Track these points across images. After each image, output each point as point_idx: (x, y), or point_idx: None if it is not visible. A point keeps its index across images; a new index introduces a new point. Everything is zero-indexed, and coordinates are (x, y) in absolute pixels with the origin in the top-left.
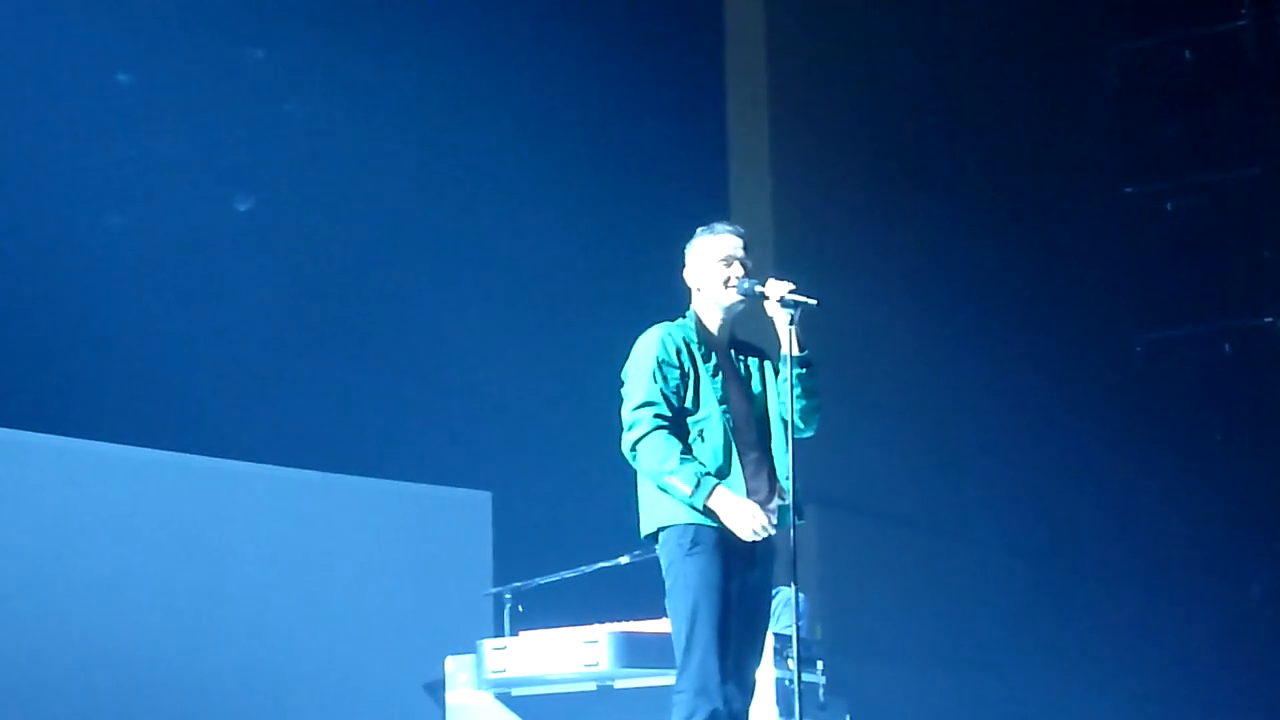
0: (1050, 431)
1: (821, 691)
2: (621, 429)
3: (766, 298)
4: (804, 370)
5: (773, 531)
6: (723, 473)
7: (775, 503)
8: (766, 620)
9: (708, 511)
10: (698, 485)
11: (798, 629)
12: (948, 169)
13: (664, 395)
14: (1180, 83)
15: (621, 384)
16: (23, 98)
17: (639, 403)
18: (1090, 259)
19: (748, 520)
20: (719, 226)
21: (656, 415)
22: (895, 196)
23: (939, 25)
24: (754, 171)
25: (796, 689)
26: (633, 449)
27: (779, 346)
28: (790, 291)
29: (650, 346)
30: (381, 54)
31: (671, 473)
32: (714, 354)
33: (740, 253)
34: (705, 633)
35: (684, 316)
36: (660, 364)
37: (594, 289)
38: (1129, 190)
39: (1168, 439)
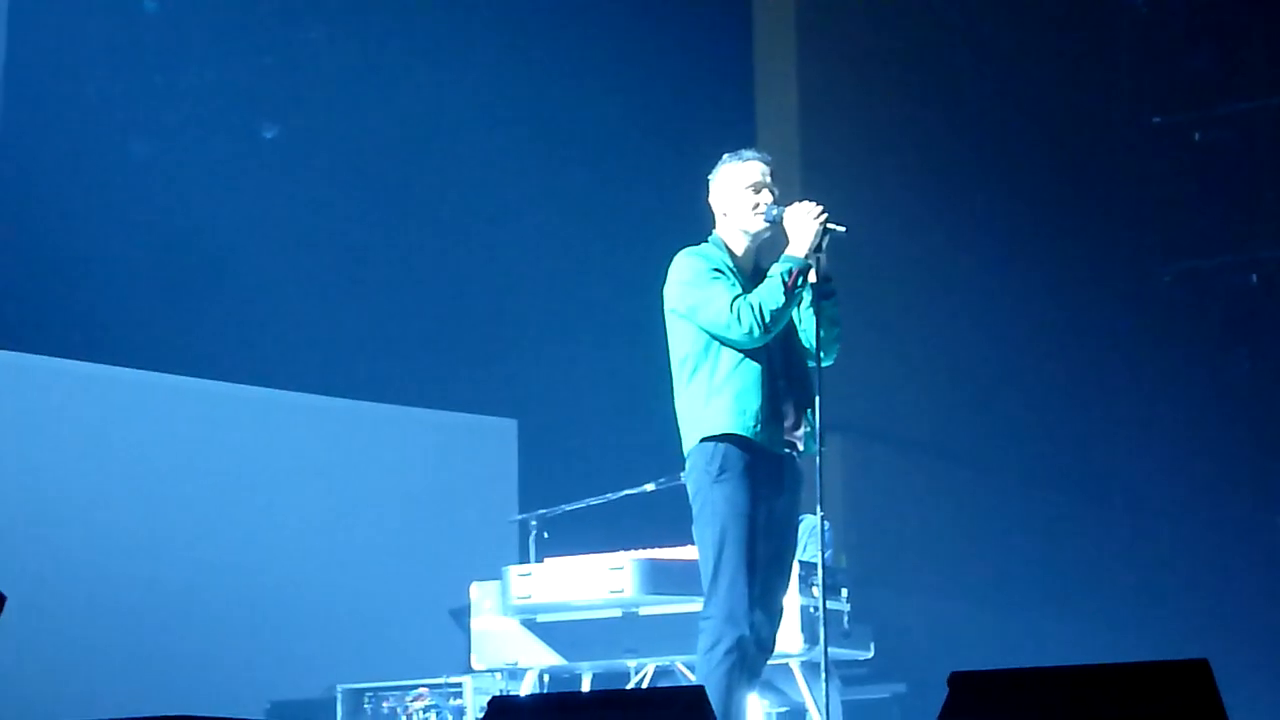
0: (1077, 361)
1: (846, 619)
2: (723, 339)
3: None
4: (827, 299)
5: (823, 216)
6: (752, 398)
7: (802, 430)
8: (794, 547)
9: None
10: (781, 267)
11: (823, 557)
12: (975, 98)
13: (731, 284)
14: (1209, 12)
15: (676, 314)
16: (49, 27)
17: (729, 299)
18: (1118, 189)
19: (809, 213)
20: (746, 153)
21: (735, 296)
22: (922, 124)
23: None
24: (780, 97)
25: (822, 616)
26: (757, 321)
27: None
28: (818, 216)
29: (697, 260)
30: None
31: (774, 283)
32: (743, 279)
33: (768, 179)
34: (733, 559)
35: (707, 242)
36: (713, 269)
37: (620, 215)
38: (1157, 120)
39: (1194, 369)
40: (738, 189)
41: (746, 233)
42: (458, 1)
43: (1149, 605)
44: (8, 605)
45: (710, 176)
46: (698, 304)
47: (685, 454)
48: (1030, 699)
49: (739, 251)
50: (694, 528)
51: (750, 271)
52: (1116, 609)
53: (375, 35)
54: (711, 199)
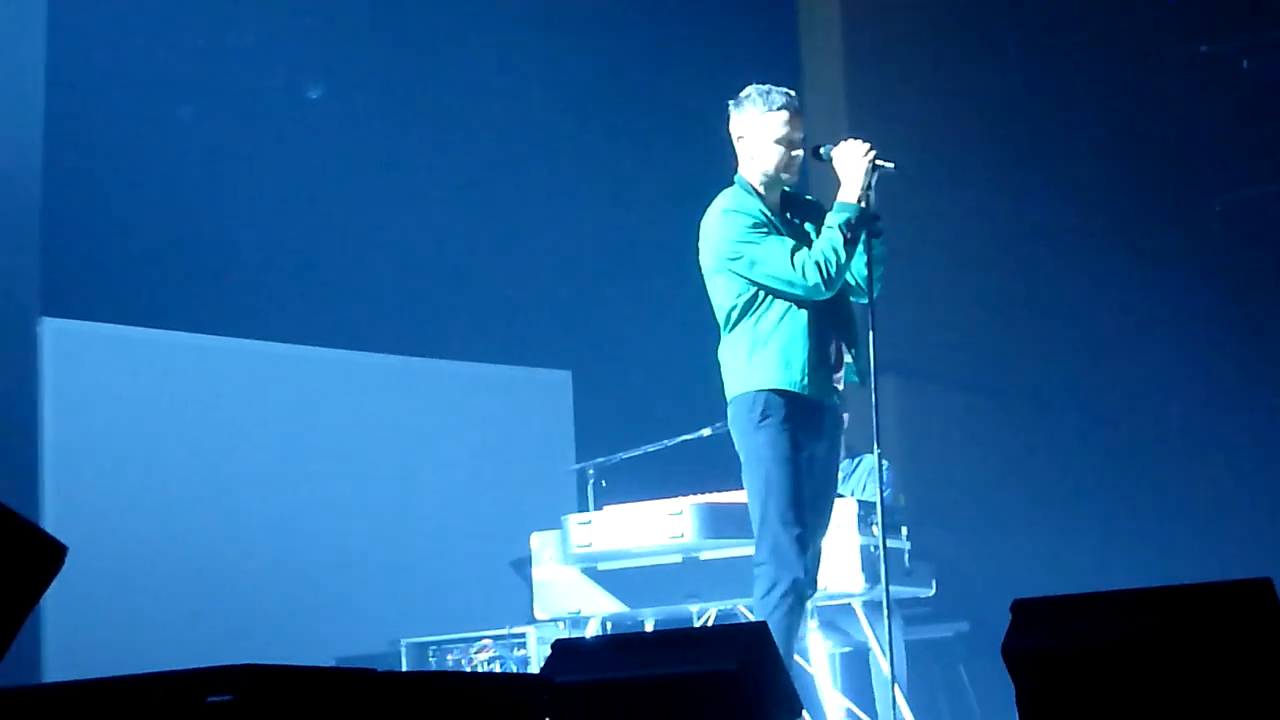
0: (1127, 294)
1: (907, 557)
2: (782, 292)
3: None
4: (875, 237)
5: (872, 154)
6: (798, 351)
7: (843, 369)
8: (834, 491)
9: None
10: (839, 217)
11: (881, 496)
12: (1018, 31)
13: (781, 237)
14: None
15: (716, 269)
16: None
17: (787, 254)
18: (1166, 119)
19: (859, 152)
20: (775, 98)
21: (794, 251)
22: (967, 59)
23: None
24: (825, 35)
25: (882, 555)
26: (824, 278)
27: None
28: (866, 154)
29: (738, 216)
30: None
31: (836, 237)
32: (777, 219)
33: (798, 133)
34: (779, 504)
35: (734, 187)
36: (756, 223)
37: (667, 164)
38: (1205, 49)
39: (1247, 298)
40: (767, 141)
41: (780, 180)
42: None
43: (1210, 535)
44: (79, 559)
45: (734, 107)
46: (755, 259)
47: (728, 402)
48: (1093, 623)
49: (764, 189)
50: (743, 476)
51: (779, 206)
52: (1177, 540)
53: None
54: (735, 136)
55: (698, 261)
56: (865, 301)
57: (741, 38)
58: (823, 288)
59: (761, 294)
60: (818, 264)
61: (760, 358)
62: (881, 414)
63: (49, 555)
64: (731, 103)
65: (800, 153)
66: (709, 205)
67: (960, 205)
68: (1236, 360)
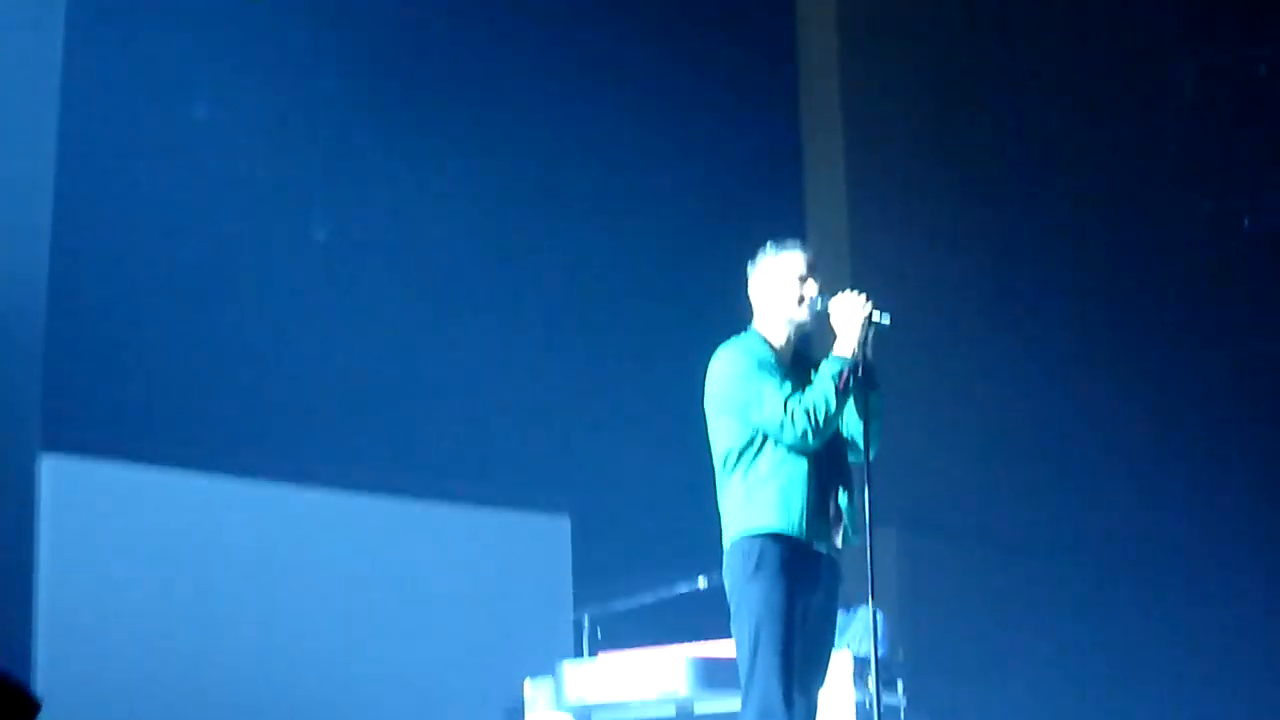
0: (1133, 447)
1: (902, 713)
2: (773, 437)
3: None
4: (871, 390)
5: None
6: (797, 494)
7: (842, 524)
8: (831, 644)
9: (843, 349)
10: (832, 368)
11: (876, 651)
12: (1025, 183)
13: (780, 382)
14: (1254, 97)
15: (720, 409)
16: (100, 133)
17: (780, 399)
18: (1172, 274)
19: (854, 305)
20: (789, 243)
21: (788, 398)
22: (973, 211)
23: (1014, 38)
24: (829, 186)
25: (875, 712)
26: (812, 427)
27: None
28: (862, 307)
29: (741, 355)
30: (452, 76)
31: (827, 387)
32: (784, 370)
33: (811, 274)
34: (768, 657)
35: (745, 334)
36: (760, 365)
37: (668, 306)
38: (1208, 206)
39: (1253, 453)
40: (784, 279)
41: (790, 322)
42: (507, 104)
43: (1216, 687)
44: (73, 698)
45: (751, 267)
46: (749, 402)
47: (725, 550)
48: None
49: (779, 343)
50: (731, 624)
51: (790, 361)
52: (1181, 692)
53: (424, 133)
54: (753, 290)
55: (702, 405)
56: (862, 461)
57: (744, 188)
58: (809, 436)
59: (760, 438)
60: (807, 412)
61: (758, 499)
62: (879, 564)
63: (22, 711)
64: (750, 263)
65: (815, 290)
66: (710, 349)
67: (959, 356)
68: (1241, 512)
